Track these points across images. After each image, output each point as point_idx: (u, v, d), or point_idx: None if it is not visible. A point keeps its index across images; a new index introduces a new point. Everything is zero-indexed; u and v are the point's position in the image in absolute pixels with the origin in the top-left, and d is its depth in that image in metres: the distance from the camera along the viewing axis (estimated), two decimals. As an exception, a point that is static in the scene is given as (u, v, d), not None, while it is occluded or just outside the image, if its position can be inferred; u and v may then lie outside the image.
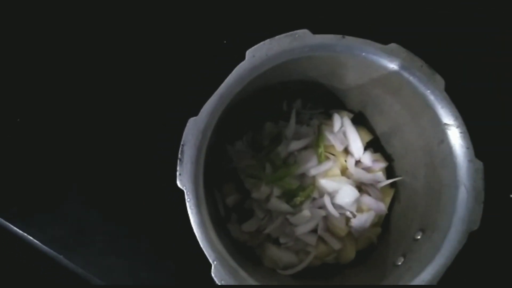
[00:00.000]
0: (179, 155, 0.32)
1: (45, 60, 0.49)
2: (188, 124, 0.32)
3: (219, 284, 0.31)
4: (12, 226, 0.45)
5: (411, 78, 0.34)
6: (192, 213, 0.32)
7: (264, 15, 0.48)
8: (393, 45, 0.34)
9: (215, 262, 0.31)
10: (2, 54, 0.49)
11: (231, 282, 0.31)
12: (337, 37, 0.34)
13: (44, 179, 0.46)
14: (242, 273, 0.32)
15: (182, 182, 0.32)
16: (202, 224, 0.32)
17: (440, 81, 0.34)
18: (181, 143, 0.32)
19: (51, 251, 0.45)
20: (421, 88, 0.34)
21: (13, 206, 0.46)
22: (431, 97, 0.34)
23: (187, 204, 0.32)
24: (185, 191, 0.32)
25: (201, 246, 0.31)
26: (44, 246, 0.45)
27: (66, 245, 0.45)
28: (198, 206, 0.32)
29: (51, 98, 0.48)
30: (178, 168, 0.32)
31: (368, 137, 0.44)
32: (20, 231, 0.45)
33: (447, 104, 0.34)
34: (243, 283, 0.32)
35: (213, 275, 0.31)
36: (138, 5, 0.50)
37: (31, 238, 0.45)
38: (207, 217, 0.33)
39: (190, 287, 0.43)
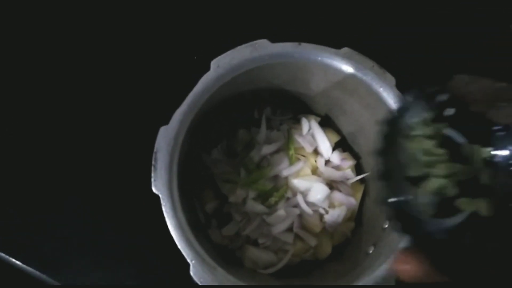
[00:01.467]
0: (153, 162, 0.34)
1: (26, 72, 0.51)
2: (159, 132, 0.34)
3: (198, 283, 0.32)
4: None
5: (364, 78, 0.37)
6: (168, 216, 0.33)
7: (228, 32, 0.51)
8: (345, 49, 0.37)
9: (193, 261, 0.33)
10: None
11: (209, 279, 0.32)
12: (294, 44, 0.36)
13: (23, 199, 0.47)
14: (221, 270, 0.34)
15: (157, 187, 0.33)
16: (178, 226, 0.33)
17: (391, 78, 0.37)
18: (154, 150, 0.34)
19: (34, 270, 0.45)
20: (374, 86, 0.37)
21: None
22: (384, 94, 0.37)
23: (163, 208, 0.33)
24: (160, 196, 0.33)
25: (179, 247, 0.33)
26: (25, 266, 0.45)
27: (49, 263, 0.45)
28: (174, 209, 0.34)
29: (34, 113, 0.50)
30: (152, 175, 0.34)
31: (335, 138, 0.47)
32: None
33: (399, 99, 0.36)
34: (222, 280, 0.33)
35: (191, 273, 0.32)
36: (119, 24, 0.53)
37: (11, 259, 0.45)
38: (183, 220, 0.34)
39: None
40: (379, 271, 0.35)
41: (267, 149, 0.45)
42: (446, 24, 0.53)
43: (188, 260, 0.33)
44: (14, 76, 0.51)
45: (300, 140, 0.45)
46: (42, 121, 0.49)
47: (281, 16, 0.51)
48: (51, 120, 0.49)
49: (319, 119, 0.47)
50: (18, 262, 0.44)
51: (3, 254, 0.45)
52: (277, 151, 0.45)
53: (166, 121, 0.36)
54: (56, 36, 0.52)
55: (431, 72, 0.49)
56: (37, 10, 0.53)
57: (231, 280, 0.34)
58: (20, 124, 0.49)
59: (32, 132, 0.49)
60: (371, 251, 0.38)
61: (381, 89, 0.37)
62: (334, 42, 0.37)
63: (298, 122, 0.47)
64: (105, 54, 0.52)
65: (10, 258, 0.45)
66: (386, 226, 0.39)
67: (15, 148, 0.48)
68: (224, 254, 0.42)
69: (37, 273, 0.45)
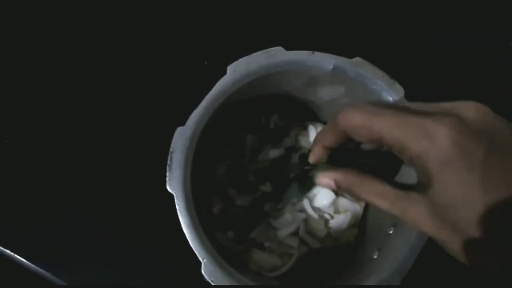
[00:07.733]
0: (168, 162, 0.34)
1: (29, 77, 0.52)
2: (176, 132, 0.35)
3: (210, 281, 0.33)
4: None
5: (374, 88, 0.38)
6: (181, 215, 0.34)
7: (240, 38, 0.53)
8: (357, 59, 0.38)
9: (204, 260, 0.33)
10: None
11: (220, 277, 0.33)
12: (308, 53, 0.38)
13: (29, 197, 0.48)
14: (231, 269, 0.34)
15: (172, 186, 0.34)
16: (191, 225, 0.34)
17: (400, 89, 0.38)
18: (170, 150, 0.34)
19: (39, 269, 0.45)
20: (384, 96, 0.38)
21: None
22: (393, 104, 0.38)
23: (177, 207, 0.34)
24: (174, 195, 0.34)
25: (191, 245, 0.33)
26: (29, 263, 0.45)
27: (53, 261, 0.45)
28: (187, 208, 0.34)
29: (37, 116, 0.50)
30: (167, 174, 0.34)
31: (341, 145, 0.48)
32: (3, 249, 0.45)
33: (407, 109, 0.38)
34: (233, 279, 0.33)
35: (203, 272, 0.33)
36: (134, 30, 0.54)
37: (15, 255, 0.45)
38: (196, 219, 0.35)
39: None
40: (383, 275, 0.36)
41: (274, 153, 0.46)
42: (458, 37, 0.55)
43: (200, 259, 0.33)
44: (23, 77, 0.52)
45: (307, 146, 0.46)
46: (32, 136, 0.50)
47: (295, 24, 0.53)
48: (41, 132, 0.50)
49: (325, 126, 0.48)
50: (25, 261, 0.44)
51: (10, 252, 0.45)
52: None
53: (179, 123, 0.36)
54: (70, 41, 0.53)
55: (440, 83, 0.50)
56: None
57: (241, 279, 0.34)
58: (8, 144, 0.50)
59: (21, 150, 0.49)
60: (375, 256, 0.39)
61: (390, 98, 0.38)
62: (346, 51, 0.39)
63: (305, 129, 0.48)
64: (118, 59, 0.53)
65: (19, 257, 0.45)
66: (391, 232, 0.40)
67: (3, 167, 0.49)
68: (229, 257, 0.43)
69: (42, 271, 0.45)
